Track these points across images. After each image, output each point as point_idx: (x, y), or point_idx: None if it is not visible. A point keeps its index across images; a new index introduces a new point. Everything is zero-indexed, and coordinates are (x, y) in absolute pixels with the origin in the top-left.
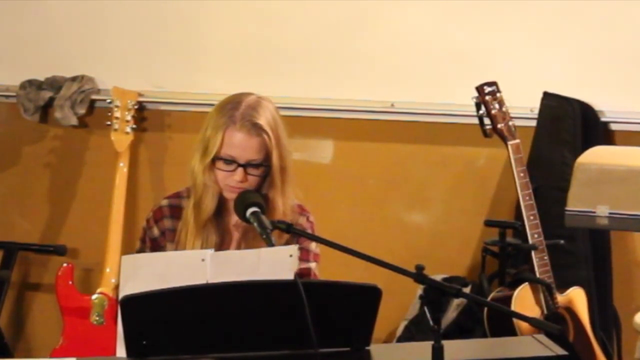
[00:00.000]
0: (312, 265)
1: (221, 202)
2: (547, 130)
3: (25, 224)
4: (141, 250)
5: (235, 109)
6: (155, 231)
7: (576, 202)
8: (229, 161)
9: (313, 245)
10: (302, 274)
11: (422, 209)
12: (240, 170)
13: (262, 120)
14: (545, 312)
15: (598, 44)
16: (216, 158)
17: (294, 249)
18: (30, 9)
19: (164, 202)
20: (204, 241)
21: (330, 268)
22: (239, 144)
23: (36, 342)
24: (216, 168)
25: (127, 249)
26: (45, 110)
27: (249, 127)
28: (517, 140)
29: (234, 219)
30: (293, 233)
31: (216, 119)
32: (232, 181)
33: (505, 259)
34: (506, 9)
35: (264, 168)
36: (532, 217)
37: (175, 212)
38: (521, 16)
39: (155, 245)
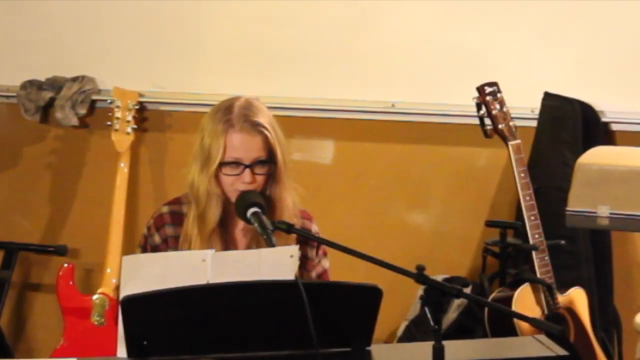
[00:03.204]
0: None
1: (225, 210)
2: (548, 130)
3: (25, 224)
4: None
5: (230, 113)
6: (157, 239)
7: (577, 203)
8: (235, 164)
9: (327, 264)
10: None
11: (422, 209)
12: (247, 171)
13: (260, 118)
14: (546, 312)
15: (598, 44)
16: (221, 164)
17: (294, 249)
18: (30, 9)
19: (165, 209)
20: None
21: (331, 268)
22: (242, 144)
23: (37, 343)
24: (222, 174)
25: (128, 249)
26: (46, 111)
27: (248, 127)
28: (518, 141)
29: (240, 225)
30: (294, 233)
31: (212, 127)
32: (240, 184)
33: (505, 260)
34: (506, 9)
35: (269, 165)
36: (532, 218)
37: (177, 218)
38: (522, 16)
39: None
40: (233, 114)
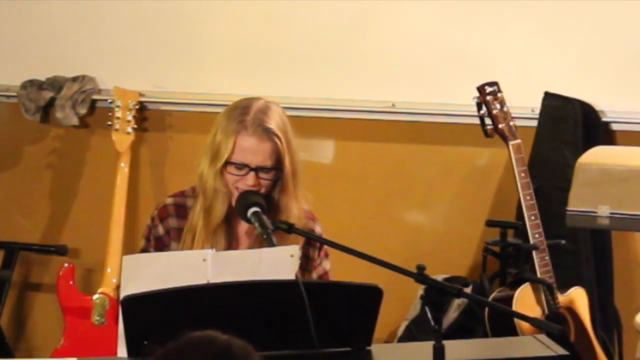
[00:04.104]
0: None
1: (231, 207)
2: (548, 130)
3: (26, 223)
4: (145, 249)
5: (245, 114)
6: (160, 230)
7: (577, 202)
8: (241, 166)
9: (328, 266)
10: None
11: (423, 209)
12: (252, 174)
13: (273, 125)
14: (546, 312)
15: (599, 44)
16: (227, 163)
17: (294, 249)
18: (31, 9)
19: (169, 201)
20: (212, 247)
21: (332, 270)
22: (251, 148)
23: (37, 342)
24: (227, 172)
25: (128, 249)
26: (46, 110)
27: (260, 132)
28: (518, 140)
29: (245, 225)
30: (294, 233)
31: (226, 125)
32: (243, 185)
33: (506, 259)
34: (507, 9)
35: (276, 172)
36: (533, 217)
37: (181, 211)
38: (522, 16)
39: (160, 244)
40: (248, 115)
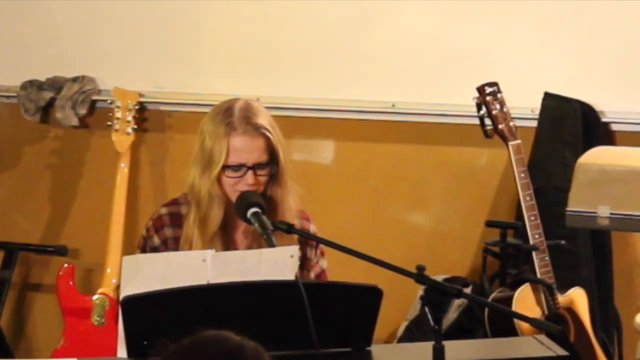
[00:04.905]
0: None
1: (227, 212)
2: (548, 130)
3: (26, 224)
4: None
5: (231, 115)
6: (156, 240)
7: (577, 203)
8: (238, 167)
9: (325, 264)
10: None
11: (422, 210)
12: (250, 173)
13: (262, 120)
14: (546, 312)
15: (598, 44)
16: (224, 167)
17: (294, 249)
18: (30, 9)
19: (163, 211)
20: None
21: (331, 268)
22: (245, 147)
23: (37, 343)
24: (225, 176)
25: (128, 249)
26: (46, 111)
27: (251, 129)
28: (518, 141)
29: (241, 227)
30: (294, 233)
31: (213, 129)
32: (243, 186)
33: (506, 260)
34: (506, 9)
35: (271, 167)
36: (533, 218)
37: (176, 220)
38: (521, 16)
39: None
40: (234, 116)
